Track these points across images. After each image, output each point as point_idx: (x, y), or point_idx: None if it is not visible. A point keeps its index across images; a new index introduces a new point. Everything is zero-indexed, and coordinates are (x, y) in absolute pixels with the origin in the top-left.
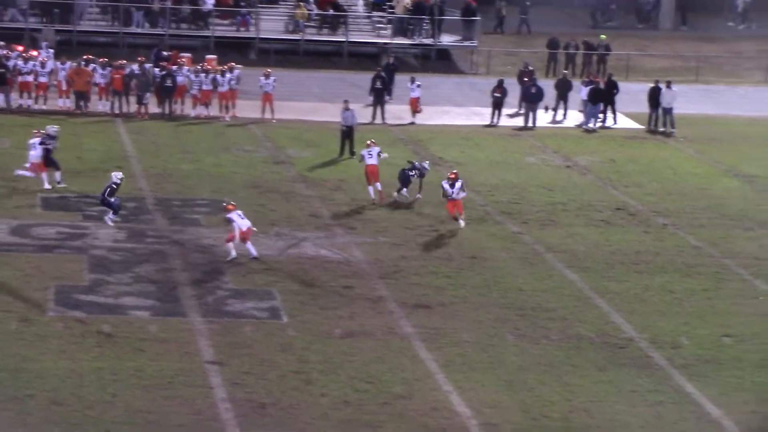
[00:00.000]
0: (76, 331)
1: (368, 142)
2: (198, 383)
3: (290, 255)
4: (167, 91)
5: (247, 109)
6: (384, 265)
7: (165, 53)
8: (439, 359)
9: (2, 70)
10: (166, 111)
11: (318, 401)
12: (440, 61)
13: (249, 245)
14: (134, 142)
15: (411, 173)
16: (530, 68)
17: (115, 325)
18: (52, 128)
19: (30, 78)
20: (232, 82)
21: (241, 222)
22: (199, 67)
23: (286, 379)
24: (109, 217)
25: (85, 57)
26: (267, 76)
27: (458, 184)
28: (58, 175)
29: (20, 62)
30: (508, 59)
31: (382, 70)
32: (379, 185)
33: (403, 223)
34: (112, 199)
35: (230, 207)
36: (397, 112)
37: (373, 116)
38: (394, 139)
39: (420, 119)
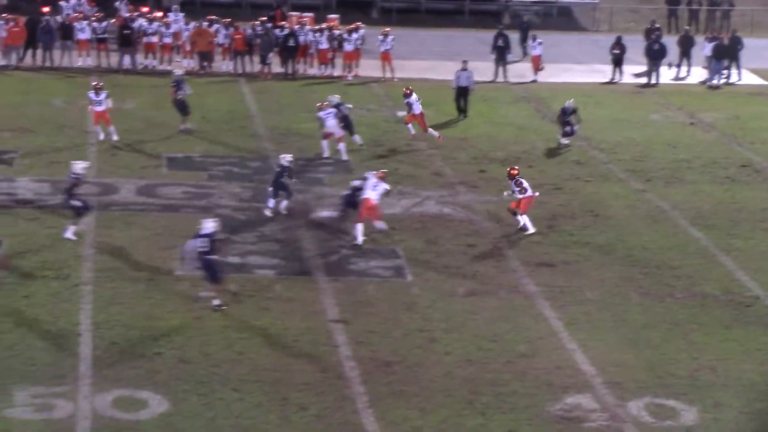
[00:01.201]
0: (203, 289)
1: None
2: (323, 342)
3: (414, 214)
4: (290, 51)
5: (368, 68)
6: (506, 224)
7: (270, 14)
8: (562, 318)
9: (128, 32)
10: (289, 71)
11: (442, 359)
12: (561, 18)
13: (378, 223)
14: (257, 101)
15: None
16: (656, 25)
17: (241, 283)
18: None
19: (155, 39)
20: (358, 42)
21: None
22: (323, 26)
23: (411, 338)
24: (283, 205)
25: (208, 18)
26: (385, 35)
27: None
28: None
29: (145, 23)
30: (630, 16)
31: (514, 28)
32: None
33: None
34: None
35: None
36: (519, 70)
37: (495, 75)
38: (517, 97)
39: (542, 77)
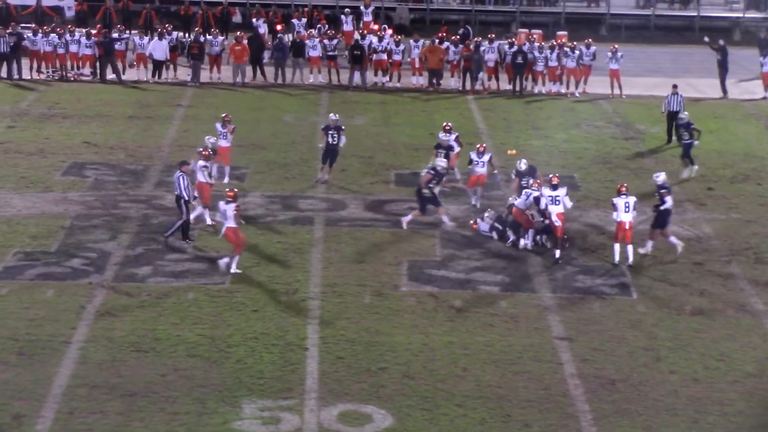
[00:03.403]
0: (428, 305)
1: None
2: (547, 359)
3: (639, 231)
4: (518, 68)
5: (595, 84)
6: (735, 242)
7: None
8: None
9: (358, 52)
10: (517, 87)
11: (667, 378)
12: None
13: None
14: (485, 118)
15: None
16: None
17: (466, 299)
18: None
19: (383, 56)
20: (587, 59)
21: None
22: (553, 43)
23: (636, 356)
24: (444, 221)
25: (438, 35)
26: (614, 52)
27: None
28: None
29: (375, 41)
30: None
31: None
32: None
33: (755, 200)
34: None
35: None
36: (749, 86)
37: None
38: (746, 115)
39: None
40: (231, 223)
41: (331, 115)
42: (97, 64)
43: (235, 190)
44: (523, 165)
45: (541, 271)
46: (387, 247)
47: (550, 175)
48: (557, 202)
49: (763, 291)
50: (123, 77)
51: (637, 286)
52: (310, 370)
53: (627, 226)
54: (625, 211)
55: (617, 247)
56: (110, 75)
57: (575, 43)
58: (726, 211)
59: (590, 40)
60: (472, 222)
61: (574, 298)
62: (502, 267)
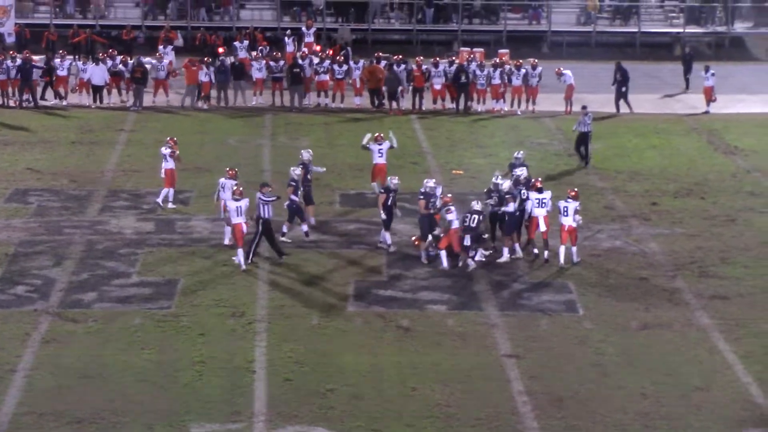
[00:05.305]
0: (375, 325)
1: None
2: (495, 377)
3: (585, 247)
4: (461, 87)
5: (543, 102)
6: (680, 257)
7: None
8: (737, 350)
9: (297, 70)
10: (461, 106)
11: (615, 394)
12: (734, 49)
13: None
14: (429, 138)
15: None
16: None
17: (413, 319)
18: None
19: (326, 77)
20: (533, 79)
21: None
22: (496, 61)
23: (583, 372)
24: (472, 260)
25: (376, 55)
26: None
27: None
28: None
29: (316, 61)
30: None
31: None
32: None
33: (699, 214)
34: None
35: None
36: (690, 101)
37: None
38: (688, 129)
39: (714, 108)
40: (239, 220)
41: (304, 152)
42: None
43: (242, 189)
44: (431, 184)
45: (486, 289)
46: (334, 268)
47: (533, 180)
48: (544, 205)
49: (709, 305)
50: (64, 102)
51: (583, 302)
52: (258, 393)
53: (567, 229)
54: (564, 215)
55: (562, 249)
56: (54, 99)
57: (521, 61)
58: (670, 225)
59: (536, 60)
60: (414, 238)
61: (521, 316)
62: (448, 286)
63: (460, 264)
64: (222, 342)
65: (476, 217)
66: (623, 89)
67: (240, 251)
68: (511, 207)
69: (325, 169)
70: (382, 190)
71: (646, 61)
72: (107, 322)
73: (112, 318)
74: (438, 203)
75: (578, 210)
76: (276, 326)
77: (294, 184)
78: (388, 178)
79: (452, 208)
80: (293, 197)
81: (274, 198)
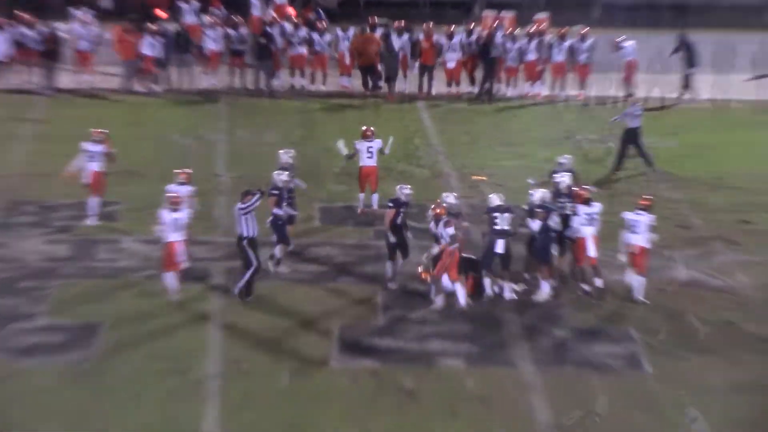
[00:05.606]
0: (367, 387)
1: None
2: None
3: (653, 280)
4: (488, 64)
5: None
6: None
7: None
8: None
9: (264, 41)
10: (484, 90)
11: None
12: None
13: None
14: (441, 132)
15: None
16: None
17: (420, 378)
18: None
19: (303, 50)
20: (583, 56)
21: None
22: (531, 30)
23: None
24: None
25: (370, 20)
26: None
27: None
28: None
29: (290, 29)
30: None
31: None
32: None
33: None
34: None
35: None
36: None
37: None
38: None
39: None
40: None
41: (283, 154)
42: None
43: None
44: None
45: (518, 337)
46: (311, 308)
47: (578, 188)
48: (594, 222)
49: None
50: None
51: (650, 356)
52: None
53: (636, 251)
54: (633, 232)
55: (631, 277)
56: None
57: (565, 30)
58: (765, 251)
59: (587, 29)
60: (421, 269)
61: (566, 374)
62: (466, 333)
63: (488, 295)
64: (160, 407)
65: (502, 241)
66: (691, 68)
67: (170, 275)
68: (535, 225)
69: (306, 185)
70: (390, 204)
71: (729, 28)
72: (3, 382)
73: (9, 376)
74: (429, 213)
75: (652, 225)
76: (232, 387)
77: (276, 192)
78: (398, 186)
79: (451, 220)
80: (277, 211)
81: (255, 200)
